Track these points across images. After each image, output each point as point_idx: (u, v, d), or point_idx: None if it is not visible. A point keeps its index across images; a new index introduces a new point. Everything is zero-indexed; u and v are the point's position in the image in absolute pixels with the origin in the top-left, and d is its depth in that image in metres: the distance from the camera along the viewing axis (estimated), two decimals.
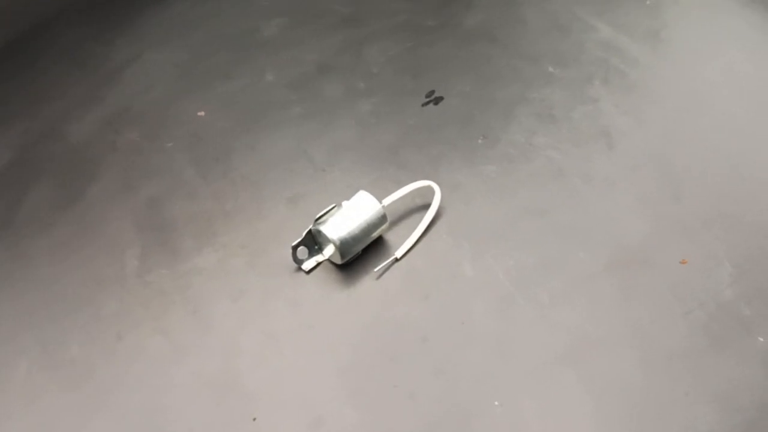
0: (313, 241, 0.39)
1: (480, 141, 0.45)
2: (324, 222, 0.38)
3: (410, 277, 0.39)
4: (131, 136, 0.47)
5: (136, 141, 0.46)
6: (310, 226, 0.39)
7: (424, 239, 0.40)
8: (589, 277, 0.38)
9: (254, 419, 0.34)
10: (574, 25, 0.51)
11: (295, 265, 0.39)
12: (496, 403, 0.33)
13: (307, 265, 0.39)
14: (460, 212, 0.41)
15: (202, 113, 0.48)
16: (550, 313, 0.37)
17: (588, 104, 0.46)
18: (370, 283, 0.39)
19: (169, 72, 0.50)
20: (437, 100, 0.47)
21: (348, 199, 0.39)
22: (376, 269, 0.39)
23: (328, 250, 0.39)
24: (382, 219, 0.39)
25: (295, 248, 0.39)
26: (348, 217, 0.38)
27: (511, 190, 0.42)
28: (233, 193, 0.43)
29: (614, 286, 0.37)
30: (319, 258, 0.39)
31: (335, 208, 0.39)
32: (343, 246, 0.38)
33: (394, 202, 0.40)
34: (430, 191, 0.41)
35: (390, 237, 0.41)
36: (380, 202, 0.40)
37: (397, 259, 0.39)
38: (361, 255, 0.39)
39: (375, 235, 0.39)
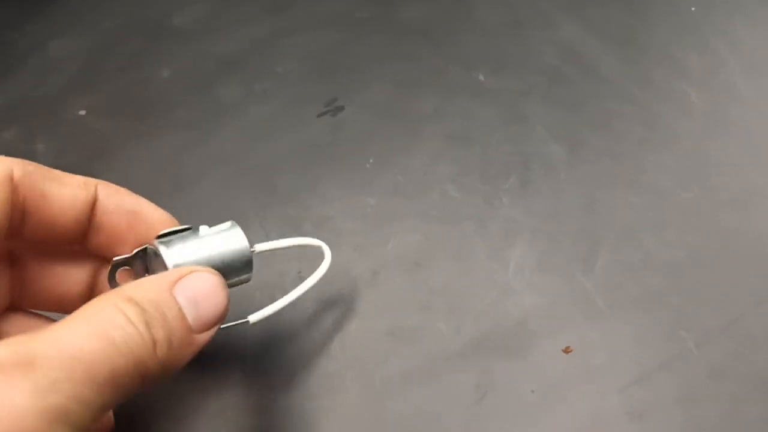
0: (145, 266, 0.28)
1: (368, 165, 0.37)
2: (169, 243, 0.27)
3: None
4: (7, 136, 0.42)
5: (10, 142, 0.42)
6: (149, 244, 0.27)
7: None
8: (442, 359, 0.29)
9: None
10: (532, 21, 0.41)
11: None
12: None
13: None
14: (317, 256, 0.34)
15: (83, 112, 0.43)
16: (377, 403, 0.29)
17: (514, 124, 0.37)
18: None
19: (68, 63, 0.46)
20: (336, 111, 0.39)
21: (203, 225, 0.31)
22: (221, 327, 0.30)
23: None
24: (245, 266, 0.28)
25: (116, 266, 0.27)
26: (203, 249, 0.27)
27: (385, 231, 0.34)
28: None
29: (470, 376, 0.29)
30: None
31: (189, 231, 0.28)
32: None
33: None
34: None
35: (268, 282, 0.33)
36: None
37: (248, 323, 0.29)
38: None
39: (230, 283, 0.28)
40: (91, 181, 0.26)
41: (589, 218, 0.33)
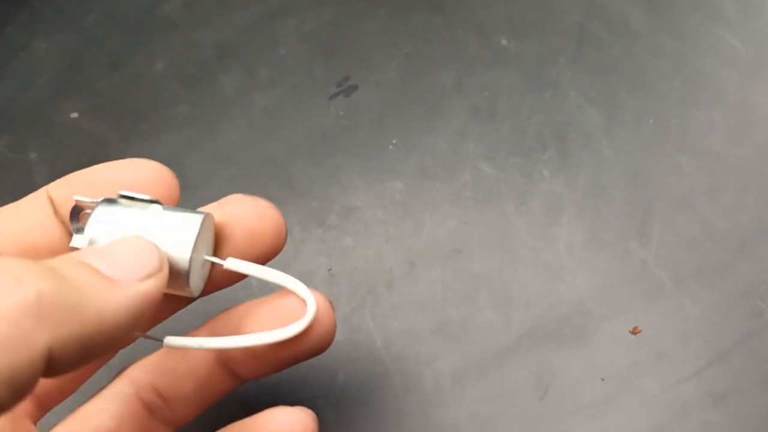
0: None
1: (391, 147, 0.34)
2: (111, 204, 0.20)
3: None
4: None
5: (1, 152, 0.39)
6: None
7: None
8: (495, 355, 0.27)
9: None
10: None
11: None
12: None
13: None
14: (347, 250, 0.31)
15: (75, 115, 0.40)
16: (428, 409, 0.26)
17: (544, 91, 0.34)
18: None
19: (53, 64, 0.42)
20: (349, 90, 0.36)
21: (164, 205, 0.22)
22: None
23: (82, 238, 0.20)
24: (178, 275, 0.20)
25: (78, 210, 0.20)
26: (134, 226, 0.20)
27: (417, 218, 0.31)
28: None
29: (529, 370, 0.26)
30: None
31: (150, 204, 0.21)
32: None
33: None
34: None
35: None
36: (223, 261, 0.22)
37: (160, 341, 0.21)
38: None
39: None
40: (40, 192, 0.20)
41: (638, 187, 0.30)
